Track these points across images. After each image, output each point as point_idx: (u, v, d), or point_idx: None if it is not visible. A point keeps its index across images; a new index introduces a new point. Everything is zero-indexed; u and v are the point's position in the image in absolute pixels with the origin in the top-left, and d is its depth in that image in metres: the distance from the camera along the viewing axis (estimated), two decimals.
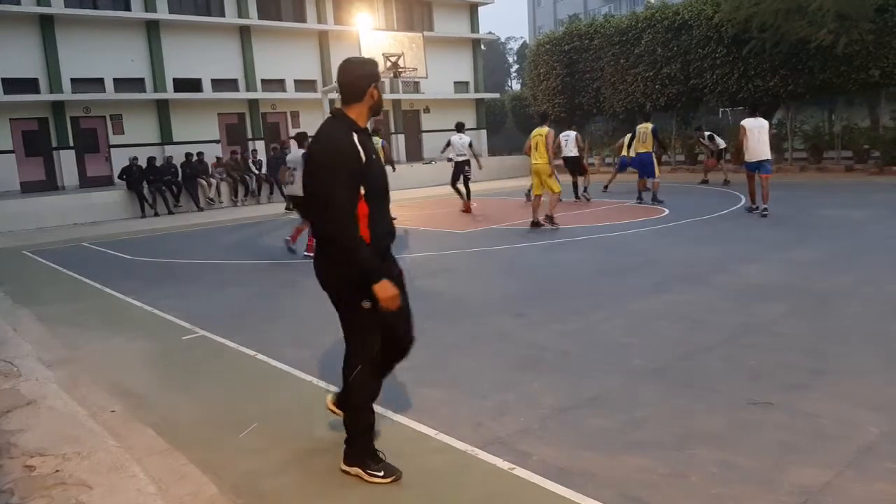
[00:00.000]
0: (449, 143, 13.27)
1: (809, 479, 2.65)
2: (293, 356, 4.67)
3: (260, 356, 4.75)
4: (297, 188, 8.94)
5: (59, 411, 3.85)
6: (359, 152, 2.63)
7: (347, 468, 2.92)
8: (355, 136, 2.66)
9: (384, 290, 2.66)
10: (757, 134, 10.00)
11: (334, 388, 4.00)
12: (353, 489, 2.83)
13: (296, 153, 9.39)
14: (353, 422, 2.91)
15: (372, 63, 2.89)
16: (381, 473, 2.83)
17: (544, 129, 10.24)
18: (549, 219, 10.18)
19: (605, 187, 15.67)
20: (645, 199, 12.71)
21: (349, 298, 2.75)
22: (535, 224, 10.31)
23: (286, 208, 16.24)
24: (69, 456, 3.21)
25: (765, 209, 10.04)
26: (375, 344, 2.83)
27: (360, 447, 2.90)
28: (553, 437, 3.18)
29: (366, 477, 2.85)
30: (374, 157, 2.70)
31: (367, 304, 2.70)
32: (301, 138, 9.91)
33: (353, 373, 2.83)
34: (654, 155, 12.53)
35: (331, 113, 2.81)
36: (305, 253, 9.19)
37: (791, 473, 2.71)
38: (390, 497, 2.76)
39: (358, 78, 2.77)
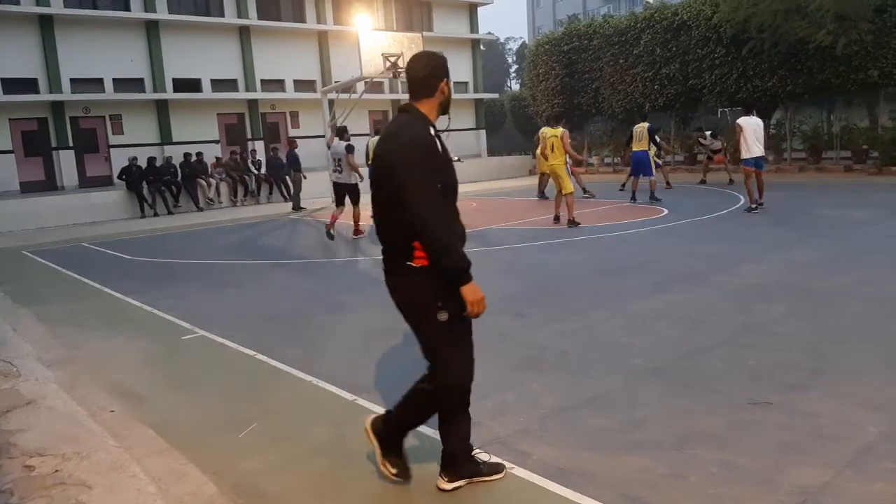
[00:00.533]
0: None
1: (809, 479, 2.65)
2: (293, 356, 4.67)
3: (260, 356, 4.75)
4: (343, 177, 10.64)
5: (58, 411, 3.85)
6: (438, 147, 2.52)
7: (370, 431, 2.80)
8: (432, 130, 2.55)
9: (474, 292, 2.48)
10: (752, 132, 10.28)
11: (331, 388, 4.01)
12: (352, 489, 2.84)
13: (338, 145, 10.69)
14: (402, 417, 2.74)
15: (442, 57, 2.72)
16: (394, 471, 2.73)
17: (559, 130, 10.44)
18: (572, 222, 10.13)
19: (622, 187, 15.34)
20: (639, 199, 12.77)
21: (428, 311, 2.52)
22: (558, 219, 10.49)
23: (294, 208, 16.26)
24: (69, 456, 3.20)
25: (760, 203, 10.50)
26: (467, 364, 2.62)
27: (394, 437, 2.77)
28: (553, 437, 3.18)
29: (379, 462, 2.75)
30: (448, 153, 2.61)
31: (443, 317, 2.50)
32: (342, 132, 10.97)
33: (430, 385, 2.62)
34: (649, 153, 12.66)
35: (401, 109, 2.64)
36: (329, 231, 10.58)
37: (790, 473, 2.71)
38: (390, 497, 2.76)
39: (432, 71, 2.61)
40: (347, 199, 10.67)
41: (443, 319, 2.50)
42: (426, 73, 2.61)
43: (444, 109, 2.67)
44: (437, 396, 2.63)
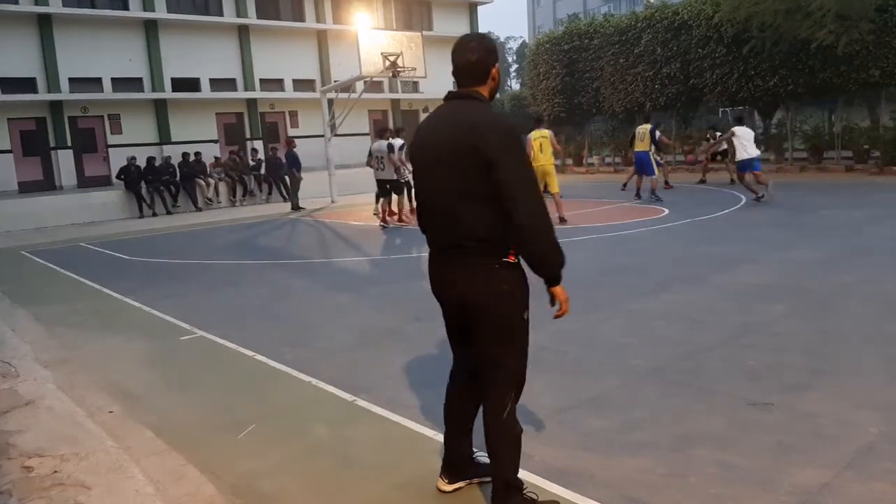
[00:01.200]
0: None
1: (809, 480, 2.65)
2: (292, 356, 4.66)
3: (259, 356, 4.74)
4: (385, 173, 11.94)
5: (57, 412, 3.84)
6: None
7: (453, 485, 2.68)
8: None
9: (564, 290, 2.35)
10: (744, 140, 11.50)
11: (331, 388, 4.00)
12: (353, 489, 2.83)
13: (380, 143, 11.98)
14: (505, 469, 2.45)
15: (491, 40, 2.47)
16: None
17: (545, 131, 10.82)
18: (561, 220, 10.37)
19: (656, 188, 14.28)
20: (643, 198, 12.92)
21: (519, 309, 2.37)
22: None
23: (292, 207, 16.25)
24: (67, 456, 3.20)
25: (762, 195, 11.37)
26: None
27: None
28: (552, 438, 3.17)
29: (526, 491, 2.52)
30: None
31: (526, 315, 2.40)
32: (383, 131, 12.46)
33: (506, 408, 2.40)
34: (651, 154, 13.08)
35: (459, 96, 2.39)
36: (382, 224, 11.85)
37: (790, 474, 2.70)
38: (390, 498, 2.75)
39: (484, 56, 2.37)
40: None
41: (526, 318, 2.40)
42: (478, 58, 2.36)
43: (491, 98, 2.43)
44: (509, 403, 2.42)
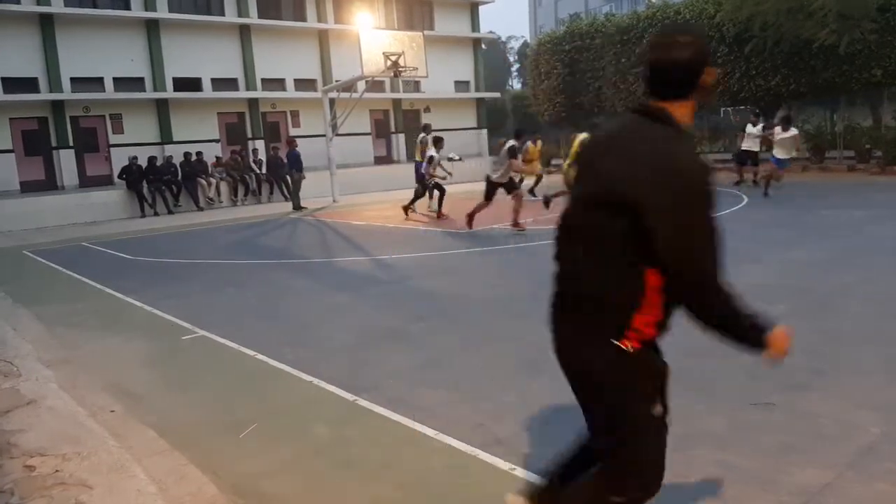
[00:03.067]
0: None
1: (810, 480, 2.65)
2: (293, 356, 4.67)
3: (260, 356, 4.75)
4: (501, 176, 11.02)
5: (59, 411, 3.85)
6: (713, 180, 1.66)
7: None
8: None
9: (780, 340, 1.77)
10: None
11: (331, 388, 4.00)
12: (352, 489, 2.83)
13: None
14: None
15: (701, 34, 1.79)
16: None
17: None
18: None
19: None
20: None
21: (635, 403, 1.82)
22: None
23: (294, 207, 16.26)
24: (69, 456, 3.20)
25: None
26: (660, 470, 1.88)
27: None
28: (553, 438, 3.16)
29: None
30: None
31: (657, 411, 1.85)
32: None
33: (596, 493, 1.95)
34: None
35: (650, 112, 1.74)
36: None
37: (791, 474, 2.70)
38: (390, 499, 2.76)
39: (698, 57, 1.70)
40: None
41: (657, 413, 1.84)
42: (689, 58, 1.68)
43: (683, 119, 1.78)
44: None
